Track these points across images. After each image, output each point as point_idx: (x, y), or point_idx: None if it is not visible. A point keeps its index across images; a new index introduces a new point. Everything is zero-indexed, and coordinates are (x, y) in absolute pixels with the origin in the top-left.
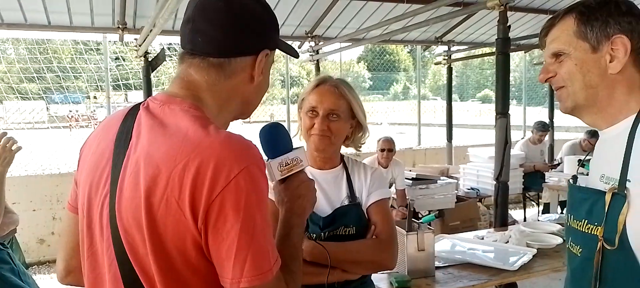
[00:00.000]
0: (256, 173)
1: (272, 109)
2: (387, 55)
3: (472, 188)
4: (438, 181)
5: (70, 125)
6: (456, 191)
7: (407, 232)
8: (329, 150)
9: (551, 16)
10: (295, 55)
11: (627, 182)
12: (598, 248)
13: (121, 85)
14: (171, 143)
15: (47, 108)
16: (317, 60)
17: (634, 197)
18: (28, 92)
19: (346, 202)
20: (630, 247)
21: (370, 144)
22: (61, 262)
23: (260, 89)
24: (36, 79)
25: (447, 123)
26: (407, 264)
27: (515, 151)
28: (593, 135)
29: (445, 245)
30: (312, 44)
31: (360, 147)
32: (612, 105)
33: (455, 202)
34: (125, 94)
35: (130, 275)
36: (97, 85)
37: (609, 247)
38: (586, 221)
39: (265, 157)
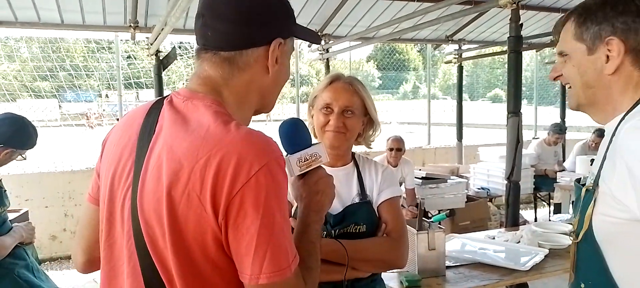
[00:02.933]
0: (276, 170)
1: (282, 108)
2: (397, 54)
3: (482, 188)
4: (448, 180)
5: (87, 123)
6: (466, 190)
7: (417, 231)
8: (343, 147)
9: (563, 15)
10: (316, 40)
11: (599, 179)
12: (573, 240)
13: (133, 83)
14: (193, 138)
15: (60, 106)
16: (327, 59)
17: (600, 194)
18: (41, 91)
19: (357, 200)
20: (596, 242)
21: (380, 143)
22: (82, 254)
23: (279, 79)
24: (49, 77)
25: (457, 122)
26: (418, 263)
27: (529, 151)
28: (600, 134)
29: (456, 244)
30: (322, 42)
31: (371, 144)
32: (609, 103)
33: (466, 202)
34: (137, 93)
35: (149, 268)
36: (108, 84)
37: (573, 241)
38: (574, 214)
39: (284, 152)
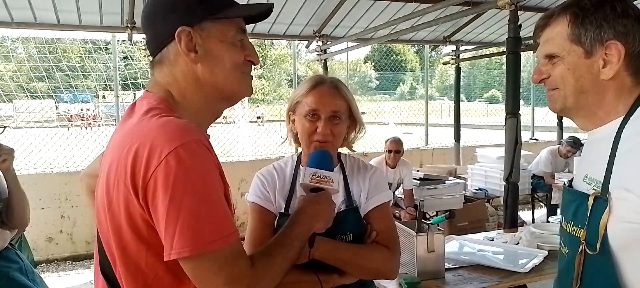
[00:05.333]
0: (187, 154)
1: (279, 109)
2: (394, 55)
3: (480, 189)
4: (446, 181)
5: (82, 123)
6: (464, 191)
7: (416, 233)
8: (331, 153)
9: (546, 13)
10: (245, 13)
11: (609, 185)
12: (580, 250)
13: (130, 84)
14: (123, 131)
15: (56, 107)
16: (325, 60)
17: (615, 202)
18: (37, 91)
19: (343, 207)
20: (610, 252)
21: (378, 144)
22: None
23: (215, 65)
24: (46, 78)
25: (455, 123)
26: (417, 265)
27: (543, 157)
28: (574, 143)
29: (454, 246)
30: (320, 43)
31: (353, 146)
32: (601, 108)
33: (463, 203)
34: (134, 93)
35: (101, 251)
36: (105, 85)
37: (590, 252)
38: (572, 223)
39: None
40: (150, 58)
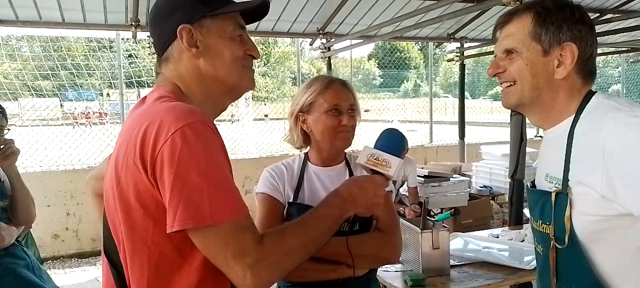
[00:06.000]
0: (191, 132)
1: (283, 106)
2: (398, 53)
3: (484, 186)
4: (450, 179)
5: (87, 121)
6: (469, 189)
7: (421, 230)
8: (349, 145)
9: (509, 10)
10: (241, 8)
11: (568, 181)
12: (551, 246)
13: (134, 82)
14: (135, 116)
15: (61, 105)
16: (329, 58)
17: (575, 196)
18: (42, 90)
19: None
20: (580, 244)
21: None
22: None
23: (216, 59)
24: (50, 76)
25: (459, 120)
26: (422, 262)
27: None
28: None
29: (459, 243)
30: (324, 40)
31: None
32: (554, 107)
33: (468, 200)
34: (138, 91)
35: (106, 233)
36: (110, 83)
37: (559, 246)
38: (541, 221)
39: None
40: (155, 56)
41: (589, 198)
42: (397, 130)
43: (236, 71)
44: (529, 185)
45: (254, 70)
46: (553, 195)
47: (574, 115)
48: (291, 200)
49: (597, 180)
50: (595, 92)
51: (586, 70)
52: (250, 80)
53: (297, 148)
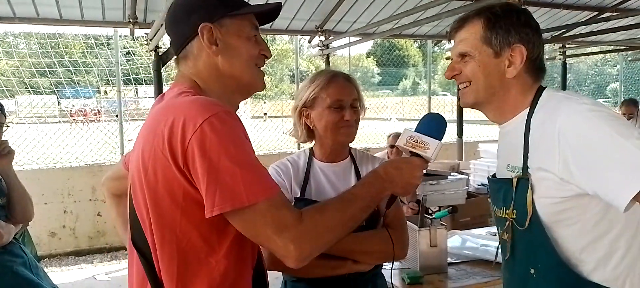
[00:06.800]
0: (218, 121)
1: (281, 104)
2: (397, 51)
3: (482, 185)
4: (448, 177)
5: (84, 119)
6: (467, 187)
7: (419, 227)
8: (352, 140)
9: (461, 16)
10: (258, 10)
11: (528, 168)
12: (506, 226)
13: (132, 79)
14: (158, 109)
15: (59, 102)
16: (327, 55)
17: (535, 181)
18: (40, 87)
19: None
20: (542, 225)
21: (380, 140)
22: None
23: (234, 58)
24: (48, 73)
25: (458, 118)
26: (420, 260)
27: None
28: (631, 102)
29: (457, 241)
30: (322, 38)
31: (368, 136)
32: (508, 103)
33: (466, 198)
34: (136, 89)
35: (134, 224)
36: (107, 80)
37: (519, 228)
38: (504, 208)
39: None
40: (153, 55)
41: (549, 182)
42: (439, 114)
43: (251, 70)
44: (490, 177)
45: (263, 72)
46: (514, 180)
47: (528, 108)
48: (298, 196)
49: (555, 164)
50: (545, 87)
51: (535, 68)
52: (262, 81)
53: (302, 143)
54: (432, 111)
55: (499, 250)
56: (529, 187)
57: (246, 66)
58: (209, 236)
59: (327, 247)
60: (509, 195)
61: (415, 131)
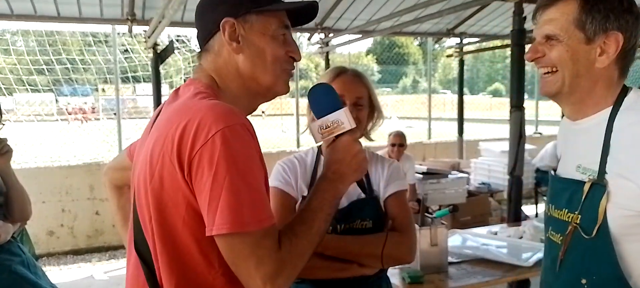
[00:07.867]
0: (231, 135)
1: (280, 103)
2: (397, 48)
3: (483, 183)
4: (449, 175)
5: (83, 117)
6: (467, 186)
7: (419, 226)
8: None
9: None
10: (288, 7)
11: (605, 173)
12: (568, 231)
13: (130, 77)
14: (171, 111)
15: (56, 100)
16: (327, 53)
17: (612, 189)
18: (37, 85)
19: (363, 195)
20: (610, 237)
21: (380, 138)
22: None
23: (255, 57)
24: (45, 71)
25: (458, 117)
26: (420, 259)
27: (549, 151)
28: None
29: (457, 240)
30: (322, 36)
31: (371, 136)
32: (591, 97)
33: (466, 197)
34: (134, 86)
35: (136, 227)
36: (105, 78)
37: (585, 236)
38: (566, 210)
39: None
40: (152, 52)
41: (628, 192)
42: (319, 86)
43: (273, 72)
44: (553, 174)
45: (292, 73)
46: (587, 185)
47: (611, 107)
48: (305, 195)
49: None
50: (630, 87)
51: (625, 62)
52: (285, 84)
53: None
54: (312, 88)
55: (500, 251)
56: (605, 194)
57: (268, 67)
58: (208, 252)
59: (298, 272)
60: (576, 198)
61: (317, 118)
